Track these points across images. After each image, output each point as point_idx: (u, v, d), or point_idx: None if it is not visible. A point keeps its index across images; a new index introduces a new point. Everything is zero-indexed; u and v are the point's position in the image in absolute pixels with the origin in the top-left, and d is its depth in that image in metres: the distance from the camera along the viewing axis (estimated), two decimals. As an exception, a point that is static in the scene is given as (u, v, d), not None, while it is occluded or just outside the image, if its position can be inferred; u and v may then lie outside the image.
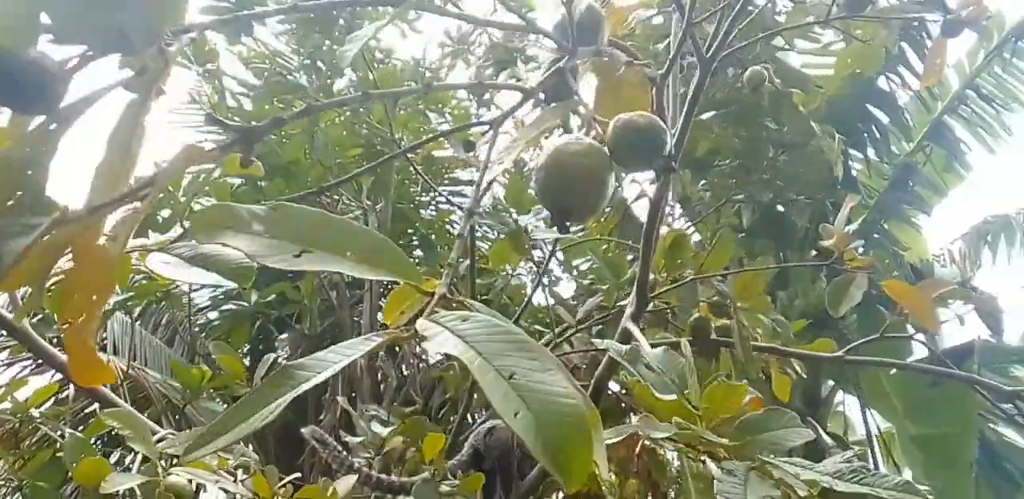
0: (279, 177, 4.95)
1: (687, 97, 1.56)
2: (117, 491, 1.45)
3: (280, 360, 5.93)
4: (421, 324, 0.60)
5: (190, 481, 1.55)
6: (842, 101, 4.63)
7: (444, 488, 1.77)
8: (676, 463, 6.76)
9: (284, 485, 1.71)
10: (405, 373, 5.65)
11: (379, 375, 5.00)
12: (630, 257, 3.62)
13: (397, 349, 5.50)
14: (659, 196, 1.57)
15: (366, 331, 4.97)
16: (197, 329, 6.25)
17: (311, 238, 0.62)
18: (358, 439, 2.16)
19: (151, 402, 4.59)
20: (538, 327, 3.58)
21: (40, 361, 5.02)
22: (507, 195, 3.57)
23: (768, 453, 1.06)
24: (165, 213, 4.25)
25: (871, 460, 4.34)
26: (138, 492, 1.47)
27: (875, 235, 5.18)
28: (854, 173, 5.12)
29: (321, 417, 4.55)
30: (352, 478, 1.76)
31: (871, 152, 5.26)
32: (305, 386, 0.55)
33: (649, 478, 6.01)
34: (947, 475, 4.00)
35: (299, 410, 4.85)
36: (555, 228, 0.86)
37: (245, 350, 6.24)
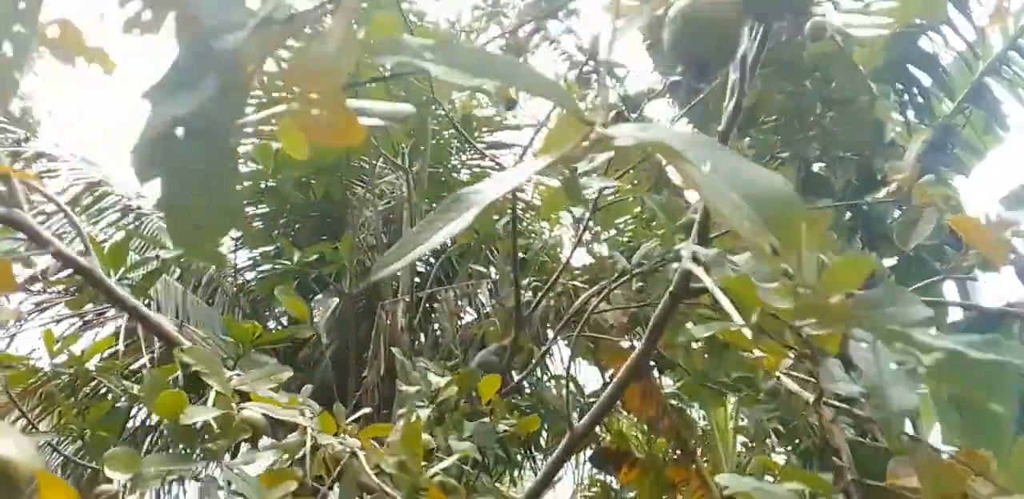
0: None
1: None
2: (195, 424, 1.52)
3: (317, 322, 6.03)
4: (602, 130, 0.61)
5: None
6: (884, 62, 4.57)
7: (502, 427, 1.83)
8: (703, 422, 6.84)
9: (351, 423, 1.78)
10: (438, 332, 5.75)
11: (414, 333, 5.10)
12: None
13: (433, 305, 5.59)
14: (727, 129, 1.58)
15: (404, 291, 5.06)
16: (235, 289, 6.39)
17: (478, 69, 0.66)
18: (413, 388, 2.23)
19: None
20: (577, 283, 3.63)
21: (88, 319, 5.17)
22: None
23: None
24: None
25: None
26: (214, 425, 1.54)
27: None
28: (892, 135, 5.08)
29: (364, 374, 4.66)
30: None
31: (911, 114, 5.21)
32: (475, 209, 0.58)
33: (679, 437, 6.06)
34: (986, 436, 3.98)
35: (341, 368, 4.97)
36: (689, 82, 0.89)
37: (283, 310, 6.37)
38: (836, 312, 1.22)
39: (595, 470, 7.34)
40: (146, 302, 4.96)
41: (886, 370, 0.95)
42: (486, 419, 1.92)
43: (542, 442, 5.87)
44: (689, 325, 1.91)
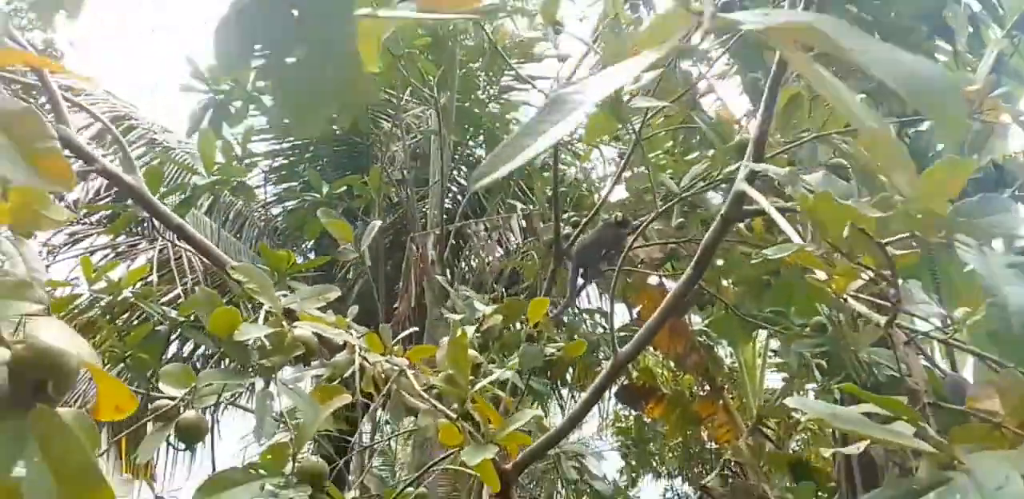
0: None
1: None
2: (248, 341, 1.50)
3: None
4: (722, 15, 0.55)
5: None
6: (933, -14, 4.36)
7: (549, 350, 1.81)
8: (729, 360, 6.82)
9: (396, 343, 1.77)
10: (465, 268, 5.74)
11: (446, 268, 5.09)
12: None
13: (460, 241, 5.57)
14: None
15: (432, 225, 5.03)
16: (262, 223, 6.40)
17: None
18: (458, 316, 2.21)
19: (227, 290, 4.76)
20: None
21: (120, 250, 5.20)
22: (604, 59, 3.43)
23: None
24: (237, 103, 4.25)
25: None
26: (267, 342, 1.53)
27: (957, 130, 4.95)
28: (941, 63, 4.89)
29: (396, 305, 4.68)
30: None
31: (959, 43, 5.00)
32: (581, 110, 0.52)
33: (706, 373, 6.07)
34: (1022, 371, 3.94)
35: (371, 301, 4.99)
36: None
37: (310, 245, 6.39)
38: (935, 220, 1.15)
39: (620, 406, 7.44)
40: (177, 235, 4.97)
41: (1000, 272, 0.90)
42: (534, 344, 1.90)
43: (568, 377, 5.92)
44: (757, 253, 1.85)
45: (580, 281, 3.16)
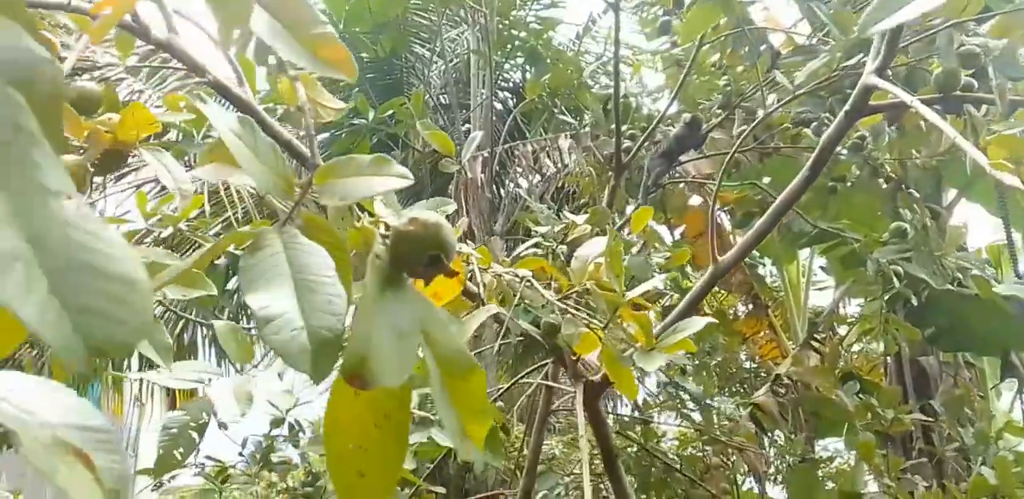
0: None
1: None
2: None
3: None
4: None
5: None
6: None
7: (658, 260, 1.80)
8: (769, 280, 6.76)
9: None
10: (511, 190, 5.71)
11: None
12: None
13: (504, 168, 5.53)
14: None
15: (480, 146, 4.98)
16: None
17: None
18: (543, 229, 2.19)
19: (276, 219, 4.76)
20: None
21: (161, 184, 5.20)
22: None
23: None
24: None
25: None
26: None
27: None
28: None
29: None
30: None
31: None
32: None
33: (751, 292, 6.07)
34: None
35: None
36: None
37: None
38: None
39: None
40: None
41: None
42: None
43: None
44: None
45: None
